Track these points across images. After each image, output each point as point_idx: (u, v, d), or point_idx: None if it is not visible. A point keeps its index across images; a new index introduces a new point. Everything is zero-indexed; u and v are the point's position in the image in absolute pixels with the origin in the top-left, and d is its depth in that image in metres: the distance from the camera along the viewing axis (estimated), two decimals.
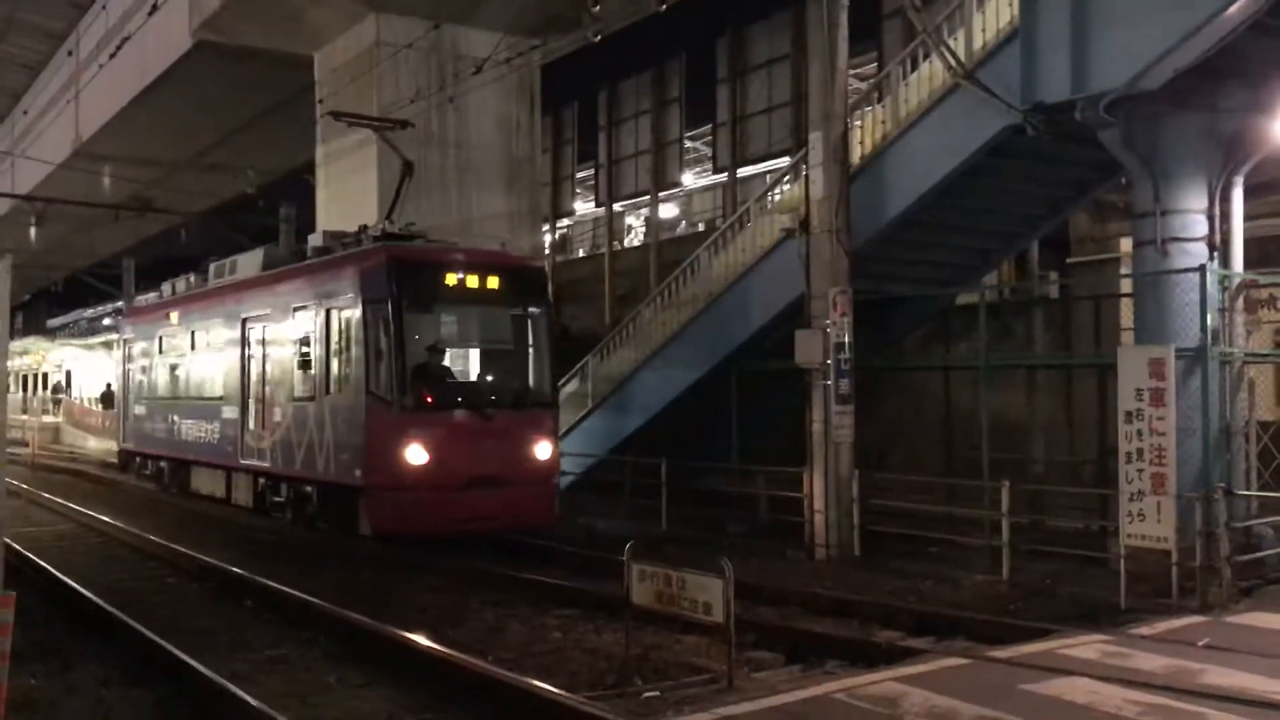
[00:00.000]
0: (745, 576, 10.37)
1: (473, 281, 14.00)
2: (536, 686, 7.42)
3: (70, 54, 34.32)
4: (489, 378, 14.78)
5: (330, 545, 14.54)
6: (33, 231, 30.76)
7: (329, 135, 23.17)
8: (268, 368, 16.55)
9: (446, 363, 14.32)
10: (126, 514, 18.31)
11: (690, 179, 33.02)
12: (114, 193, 35.01)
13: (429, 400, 13.49)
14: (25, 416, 48.73)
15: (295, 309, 15.56)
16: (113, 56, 22.94)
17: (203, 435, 18.91)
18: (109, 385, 43.95)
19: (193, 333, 19.84)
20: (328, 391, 14.53)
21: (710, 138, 31.57)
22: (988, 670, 7.55)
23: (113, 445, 37.58)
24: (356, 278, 14.10)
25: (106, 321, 62.47)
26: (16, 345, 50.96)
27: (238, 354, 17.41)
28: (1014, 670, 7.43)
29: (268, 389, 16.41)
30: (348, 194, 22.29)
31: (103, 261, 50.83)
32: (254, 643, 9.52)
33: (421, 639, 8.92)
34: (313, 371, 14.95)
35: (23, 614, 9.72)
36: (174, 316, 20.99)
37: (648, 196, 33.06)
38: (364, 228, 15.96)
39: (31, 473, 27.79)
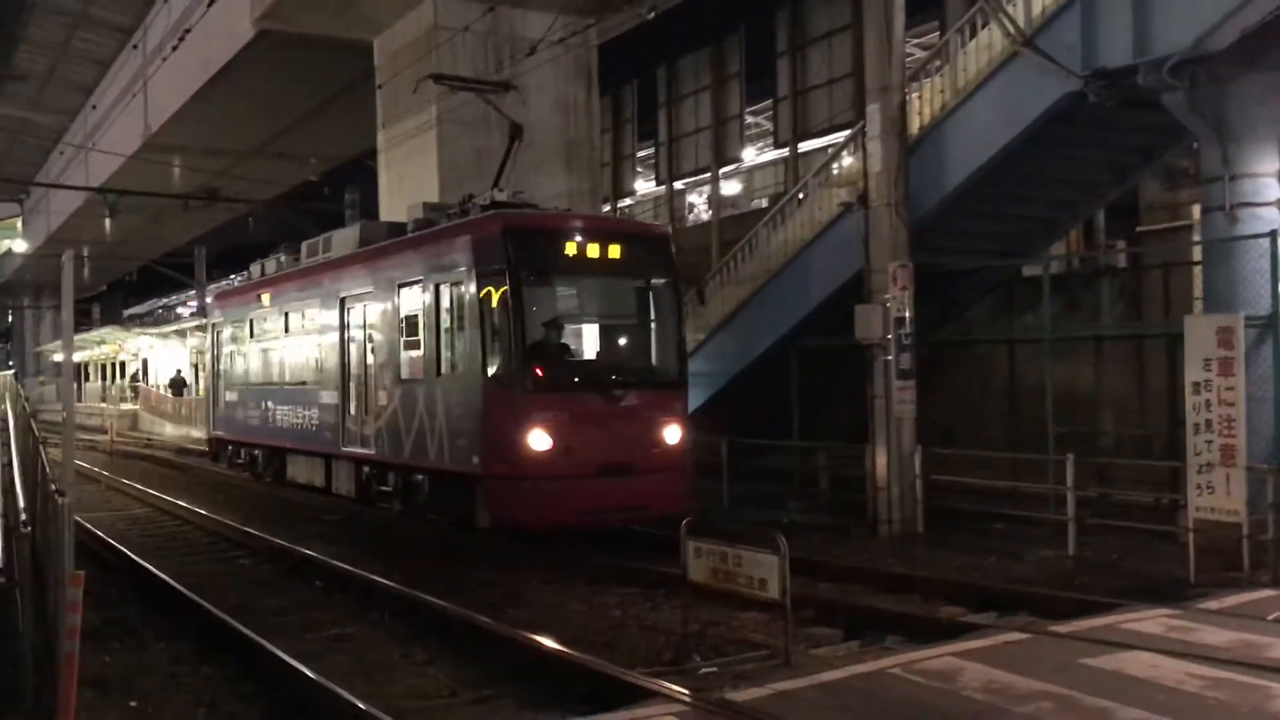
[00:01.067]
0: (807, 554, 10.41)
1: (594, 250, 12.87)
2: (595, 662, 7.49)
3: (136, 47, 35.01)
4: (615, 355, 13.72)
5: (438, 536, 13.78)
6: (107, 223, 31.48)
7: (390, 121, 23.40)
8: (370, 349, 15.54)
9: (570, 339, 13.30)
10: (204, 499, 18.74)
11: (751, 154, 32.82)
12: (183, 183, 35.66)
13: (553, 380, 12.48)
14: (104, 404, 50.01)
15: (400, 285, 14.51)
16: (175, 49, 23.36)
17: (299, 422, 17.99)
18: (178, 371, 45.00)
19: (286, 314, 18.90)
20: (439, 373, 13.46)
21: (771, 112, 31.32)
22: (1048, 645, 7.46)
23: (190, 431, 38.56)
24: (469, 249, 12.94)
25: (181, 310, 63.93)
26: (93, 335, 52.32)
27: (336, 335, 16.43)
28: (1075, 645, 7.34)
29: (371, 371, 15.41)
30: (410, 177, 22.51)
31: (174, 250, 52.00)
32: (323, 622, 9.71)
33: (482, 617, 9.03)
34: (422, 352, 13.89)
35: (99, 595, 10.09)
36: (265, 298, 20.01)
37: (709, 174, 32.92)
38: (470, 197, 14.83)
39: (109, 459, 28.53)
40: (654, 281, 13.44)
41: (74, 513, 6.65)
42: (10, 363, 72.96)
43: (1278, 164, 11.75)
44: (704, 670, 7.80)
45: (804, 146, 29.39)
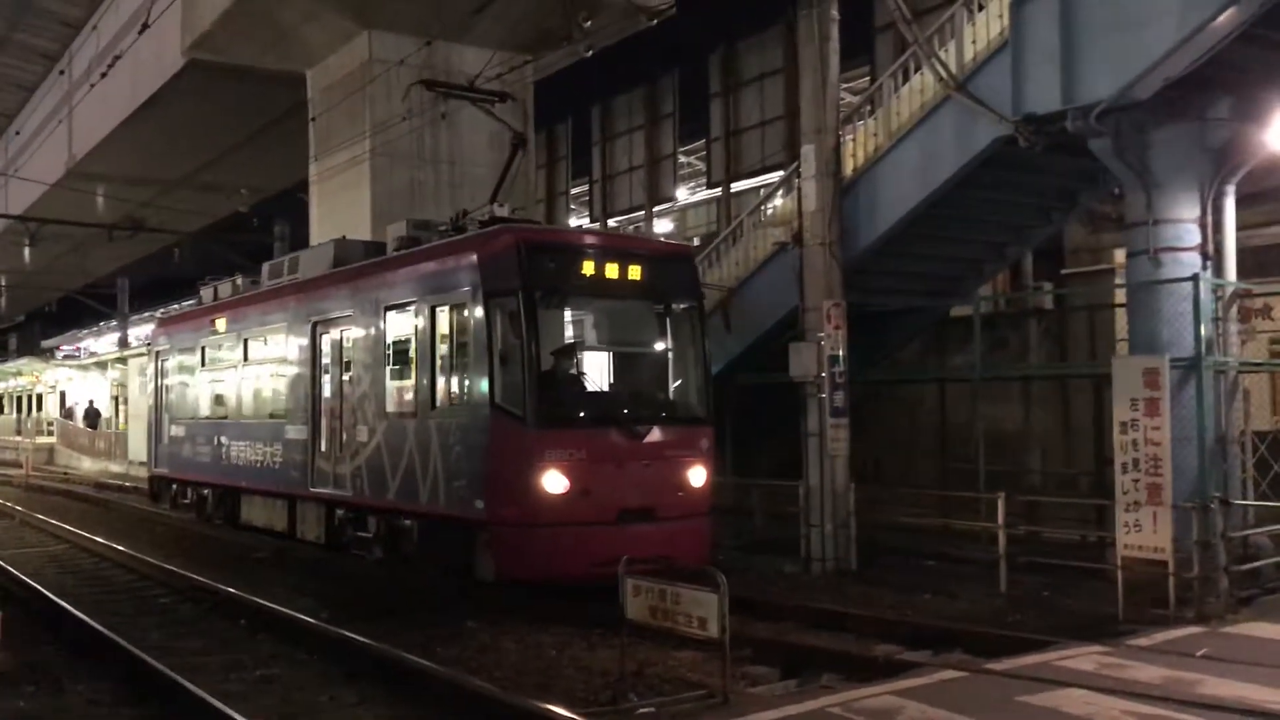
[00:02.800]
0: (741, 591, 10.33)
1: (614, 270, 11.68)
2: (531, 704, 7.36)
3: (62, 73, 34.39)
4: (637, 386, 12.51)
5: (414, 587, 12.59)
6: (27, 252, 30.78)
7: (322, 153, 23.22)
8: (348, 379, 14.07)
9: (587, 368, 12.14)
10: (124, 535, 18.21)
11: (685, 193, 33.09)
12: (107, 212, 35.03)
13: (569, 414, 11.36)
14: (19, 438, 48.59)
15: (387, 308, 13.16)
16: (104, 76, 22.97)
17: (259, 459, 16.42)
18: (91, 403, 43.91)
19: (245, 341, 17.27)
20: (434, 405, 12.10)
21: (704, 152, 31.63)
22: (985, 683, 7.50)
23: (108, 465, 37.61)
24: (475, 266, 11.55)
25: (93, 344, 62.40)
26: (10, 366, 50.91)
27: (307, 364, 14.97)
28: (1011, 682, 7.39)
29: (348, 404, 13.96)
30: (342, 210, 22.34)
31: (97, 281, 50.88)
32: (248, 662, 9.44)
33: (414, 657, 8.85)
34: (412, 382, 12.53)
35: (13, 635, 9.71)
36: (220, 324, 18.28)
37: (642, 212, 33.09)
38: (464, 212, 13.67)
39: (24, 493, 27.68)
40: (679, 305, 12.32)
41: None
42: None
43: (1198, 210, 12.09)
44: (641, 710, 7.72)
45: (737, 186, 29.72)
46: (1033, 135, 12.19)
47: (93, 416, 43.52)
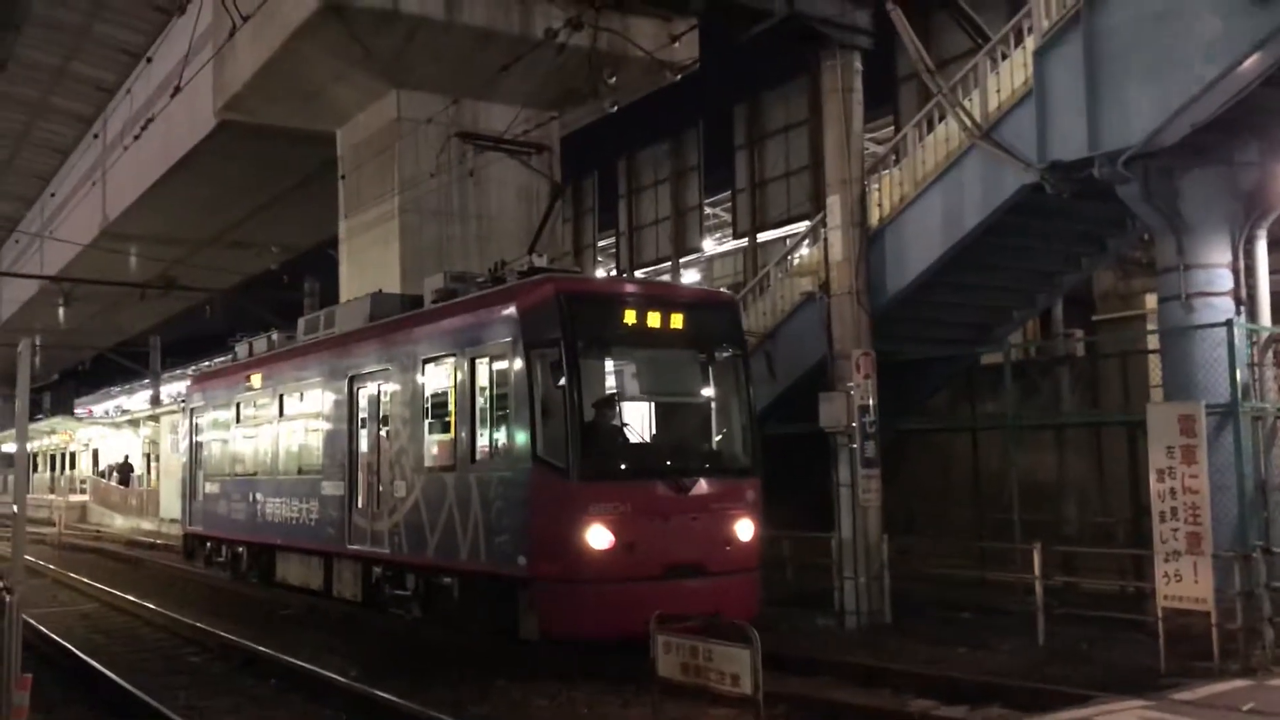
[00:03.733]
0: (774, 646, 10.18)
1: (657, 319, 11.54)
2: None
3: (96, 136, 35.05)
4: (682, 437, 12.21)
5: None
6: (61, 312, 31.20)
7: (352, 210, 23.48)
8: (385, 433, 13.85)
9: (631, 419, 11.79)
10: (155, 594, 18.21)
11: (711, 245, 33.20)
12: (140, 272, 35.54)
13: (614, 467, 11.11)
14: (52, 496, 48.93)
15: (425, 361, 12.97)
16: (137, 138, 23.34)
17: (295, 515, 16.19)
18: (126, 458, 44.24)
19: (280, 396, 17.13)
20: (474, 459, 11.88)
21: (730, 203, 31.77)
22: None
23: (140, 523, 37.78)
24: (515, 317, 11.42)
25: (125, 402, 62.94)
26: (44, 425, 51.41)
27: (344, 419, 14.78)
28: None
29: (386, 459, 13.71)
30: (371, 266, 22.53)
31: (129, 340, 51.52)
32: None
33: (445, 716, 8.75)
34: (452, 435, 12.30)
35: (44, 694, 9.69)
36: (255, 379, 18.17)
37: (669, 263, 33.20)
38: (503, 263, 13.55)
39: (57, 552, 27.79)
40: (722, 353, 12.12)
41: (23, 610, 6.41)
42: None
43: (1230, 255, 11.99)
44: None
45: (763, 236, 29.79)
46: (1059, 182, 12.15)
47: (125, 471, 43.84)
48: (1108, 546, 14.75)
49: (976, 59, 13.89)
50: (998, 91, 13.39)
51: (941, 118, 14.35)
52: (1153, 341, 14.34)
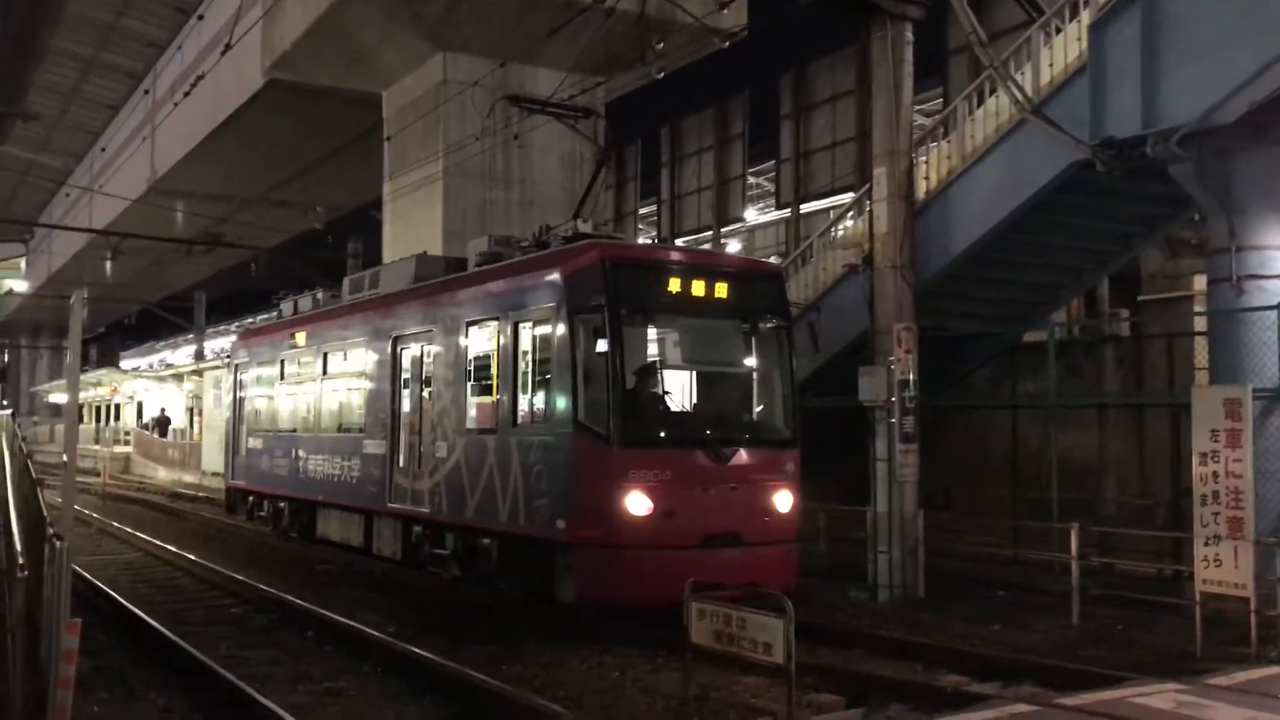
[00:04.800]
0: (806, 617, 10.24)
1: (701, 287, 11.51)
2: None
3: (147, 93, 35.37)
4: (723, 407, 12.24)
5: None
6: (108, 265, 31.64)
7: (396, 172, 23.56)
8: (428, 394, 13.93)
9: (673, 387, 11.85)
10: (197, 545, 18.52)
11: (753, 215, 33.03)
12: (186, 228, 35.90)
13: (654, 434, 11.16)
14: (97, 447, 49.78)
15: (469, 324, 13.05)
16: (187, 95, 23.53)
17: (336, 473, 16.34)
18: (162, 410, 44.98)
19: (325, 355, 17.24)
20: (515, 423, 11.92)
21: (774, 173, 31.58)
22: (1057, 718, 7.32)
23: (182, 475, 38.36)
24: (560, 283, 11.42)
25: (169, 356, 63.82)
26: (90, 377, 52.20)
27: (387, 378, 14.88)
28: (1084, 718, 7.20)
29: (428, 420, 13.81)
30: (414, 228, 22.63)
31: (174, 295, 52.12)
32: (315, 674, 9.54)
33: (479, 674, 8.88)
34: (493, 398, 12.37)
35: (89, 640, 9.91)
36: (300, 338, 18.31)
37: (710, 232, 33.09)
38: (546, 228, 13.61)
39: (102, 501, 28.31)
40: (766, 324, 12.05)
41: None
42: (4, 402, 72.78)
43: None
44: None
45: (806, 208, 29.60)
46: (1111, 160, 11.99)
47: (163, 424, 44.61)
48: (1146, 529, 14.65)
49: (1030, 32, 13.70)
50: (1050, 66, 13.21)
51: (992, 91, 14.18)
52: (1200, 323, 14.15)
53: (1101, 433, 16.84)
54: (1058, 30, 13.24)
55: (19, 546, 8.90)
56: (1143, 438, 16.65)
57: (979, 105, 14.49)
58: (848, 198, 21.70)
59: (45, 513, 8.78)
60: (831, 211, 22.44)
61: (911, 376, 13.53)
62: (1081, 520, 12.32)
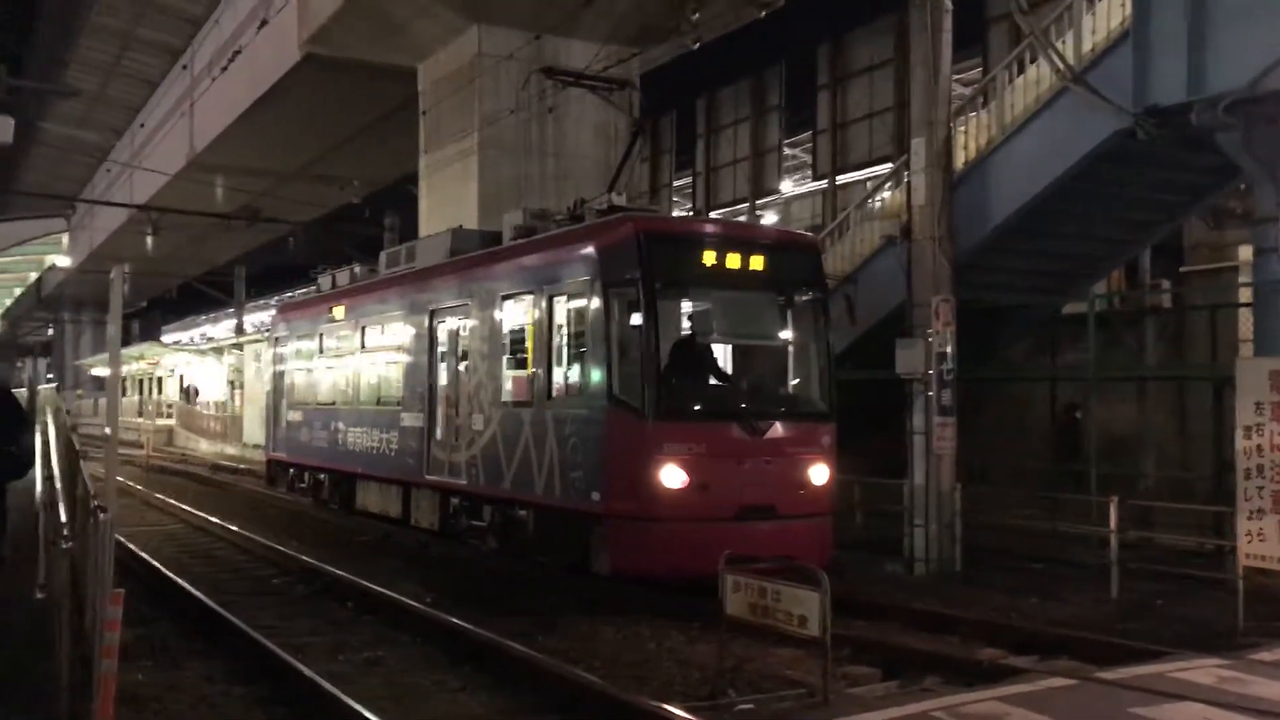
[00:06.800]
0: (841, 590, 10.21)
1: (736, 260, 11.40)
2: (631, 696, 7.38)
3: (185, 68, 35.53)
4: (759, 379, 12.24)
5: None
6: (149, 241, 31.83)
7: (432, 146, 23.58)
8: (464, 367, 14.02)
9: (708, 360, 11.87)
10: (238, 516, 18.75)
11: (789, 186, 32.80)
12: (225, 203, 36.09)
13: (689, 407, 11.19)
14: (140, 419, 50.46)
15: (504, 297, 13.09)
16: (225, 70, 23.64)
17: (375, 445, 16.51)
18: (182, 379, 46.13)
19: (363, 329, 17.40)
20: (550, 395, 11.97)
21: (810, 144, 31.33)
22: (1096, 692, 7.27)
23: (224, 448, 38.84)
24: (594, 256, 11.42)
25: (210, 330, 64.53)
26: (132, 350, 52.87)
27: (424, 352, 15.02)
28: (1123, 693, 7.14)
29: (464, 392, 13.89)
30: (450, 202, 22.65)
31: (214, 269, 52.54)
32: (354, 644, 9.64)
33: (516, 644, 8.94)
34: (529, 371, 12.41)
35: (132, 610, 10.07)
36: (338, 311, 18.48)
37: (746, 204, 32.92)
38: (581, 201, 13.52)
39: (145, 474, 28.71)
40: (802, 296, 12.01)
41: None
42: (49, 375, 73.89)
43: None
44: (740, 707, 7.68)
45: (843, 179, 29.37)
46: (1155, 128, 11.79)
47: (189, 394, 45.70)
48: (1187, 502, 14.50)
49: None
50: (1093, 33, 13.01)
51: (1033, 60, 13.99)
52: (1245, 294, 13.92)
53: (1141, 406, 16.68)
54: None
55: (64, 518, 9.04)
56: (1184, 411, 16.47)
57: (1019, 74, 14.30)
58: (885, 169, 21.53)
59: (89, 485, 8.90)
60: (869, 183, 22.27)
61: (949, 349, 13.43)
62: (1120, 494, 12.21)
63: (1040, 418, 17.62)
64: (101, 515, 6.67)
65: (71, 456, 15.93)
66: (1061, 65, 12.93)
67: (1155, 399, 16.69)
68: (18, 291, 71.02)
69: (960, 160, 14.51)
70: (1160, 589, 11.63)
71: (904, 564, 13.62)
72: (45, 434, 24.64)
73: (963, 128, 14.89)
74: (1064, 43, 13.22)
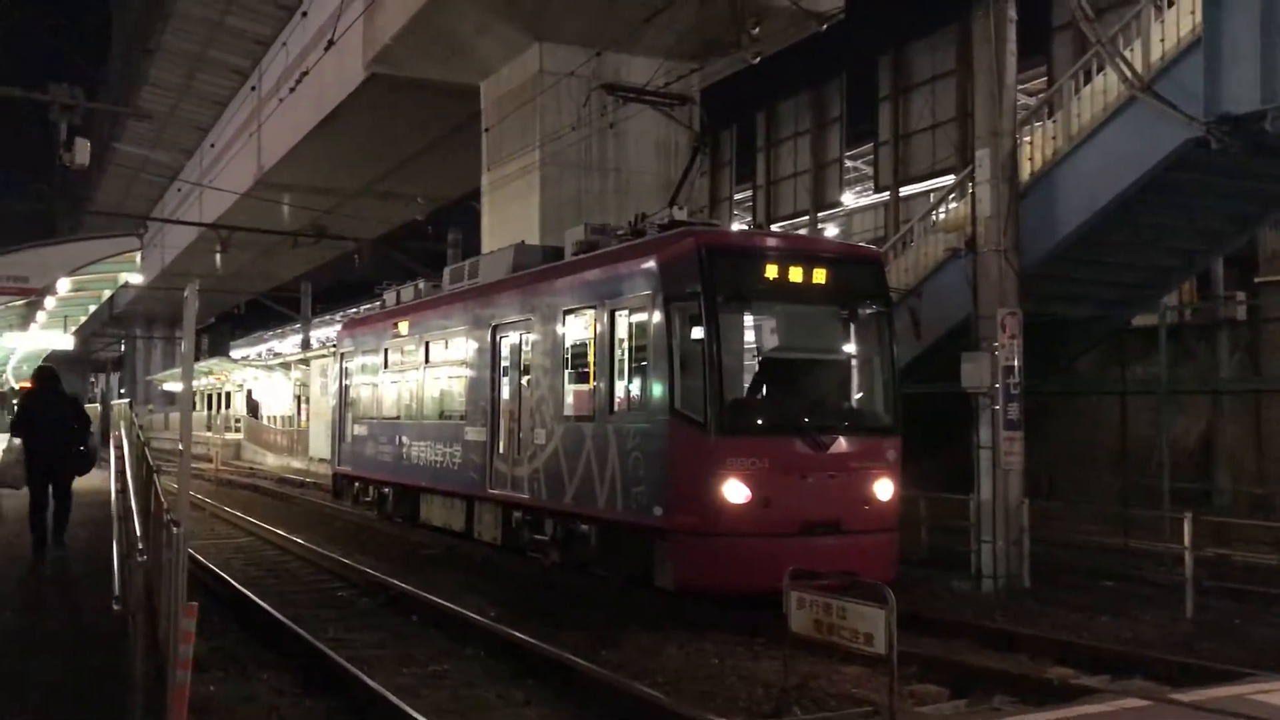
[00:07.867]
0: (908, 607, 10.12)
1: (799, 274, 11.37)
2: (696, 713, 7.35)
3: (253, 89, 36.24)
4: (822, 394, 12.12)
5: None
6: (218, 258, 32.48)
7: (494, 163, 23.82)
8: (526, 382, 14.10)
9: (771, 374, 11.92)
10: (305, 530, 19.00)
11: (851, 199, 32.65)
12: (292, 220, 36.73)
13: (752, 422, 11.18)
14: (209, 433, 51.38)
15: (566, 312, 13.13)
16: (292, 90, 24.06)
17: (439, 459, 16.64)
18: (249, 393, 47.08)
19: (426, 344, 17.56)
20: (612, 410, 11.97)
21: (871, 156, 31.18)
22: (1170, 713, 7.11)
23: (290, 462, 39.40)
24: (656, 271, 11.39)
25: (277, 345, 65.55)
26: (202, 366, 53.90)
27: (486, 366, 15.12)
28: (1199, 715, 6.97)
29: (526, 407, 13.98)
30: (512, 218, 22.85)
31: (281, 285, 53.46)
32: (419, 657, 9.72)
33: (579, 659, 8.95)
34: (591, 386, 12.44)
35: (202, 622, 10.23)
36: (403, 326, 18.71)
37: (807, 217, 32.80)
38: (643, 216, 13.59)
39: (214, 487, 29.22)
40: (866, 310, 11.90)
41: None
42: (122, 390, 75.50)
43: None
44: None
45: (905, 191, 29.18)
46: (1227, 137, 11.59)
47: (252, 408, 46.79)
48: (1265, 519, 14.16)
49: (1140, 6, 13.29)
50: (1162, 41, 12.80)
51: (1099, 69, 13.80)
52: None
53: (1214, 420, 16.34)
54: (1169, 3, 12.81)
55: (139, 531, 9.22)
56: (1259, 425, 16.10)
57: (1085, 84, 14.11)
58: (948, 180, 21.31)
59: (162, 499, 9.07)
60: (932, 195, 22.07)
61: (1016, 362, 13.25)
62: (1195, 510, 11.95)
63: (1109, 432, 17.31)
64: (175, 529, 6.79)
65: (145, 471, 16.24)
66: (1130, 74, 12.74)
67: (1230, 412, 16.35)
68: (93, 308, 72.71)
69: (1026, 171, 14.35)
70: (1237, 608, 11.36)
71: (971, 580, 13.43)
72: (120, 448, 25.17)
73: (1028, 138, 14.72)
74: (1132, 51, 13.03)
